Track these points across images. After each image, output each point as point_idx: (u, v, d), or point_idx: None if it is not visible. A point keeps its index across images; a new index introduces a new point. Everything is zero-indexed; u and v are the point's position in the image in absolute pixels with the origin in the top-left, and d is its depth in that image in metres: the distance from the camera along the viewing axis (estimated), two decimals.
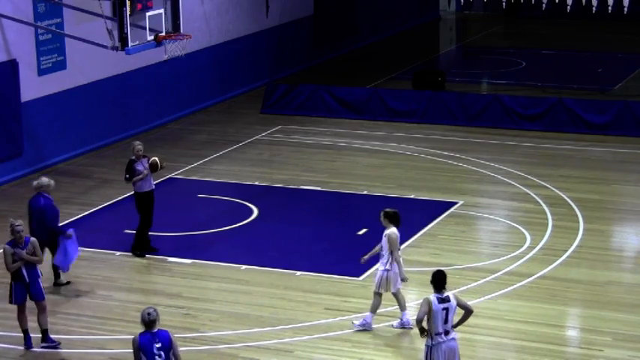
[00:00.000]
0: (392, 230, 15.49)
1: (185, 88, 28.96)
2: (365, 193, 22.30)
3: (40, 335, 15.31)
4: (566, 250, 18.93)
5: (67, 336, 15.69)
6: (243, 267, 18.35)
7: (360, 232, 19.66)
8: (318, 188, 22.65)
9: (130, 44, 21.32)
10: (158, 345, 11.90)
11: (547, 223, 20.30)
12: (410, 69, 33.99)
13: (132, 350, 11.98)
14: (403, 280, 15.60)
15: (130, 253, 18.84)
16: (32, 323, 15.34)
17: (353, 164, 24.46)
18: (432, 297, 12.84)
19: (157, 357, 11.88)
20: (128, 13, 21.12)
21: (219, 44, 30.43)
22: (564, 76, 33.67)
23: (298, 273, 18.02)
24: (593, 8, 32.07)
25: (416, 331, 13.18)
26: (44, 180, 17.31)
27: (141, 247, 18.80)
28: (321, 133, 27.16)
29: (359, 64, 36.21)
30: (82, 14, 23.25)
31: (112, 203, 21.76)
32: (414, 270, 17.73)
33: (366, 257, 15.97)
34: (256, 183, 23.15)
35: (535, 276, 17.75)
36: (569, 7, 32.31)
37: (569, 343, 15.63)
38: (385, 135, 26.91)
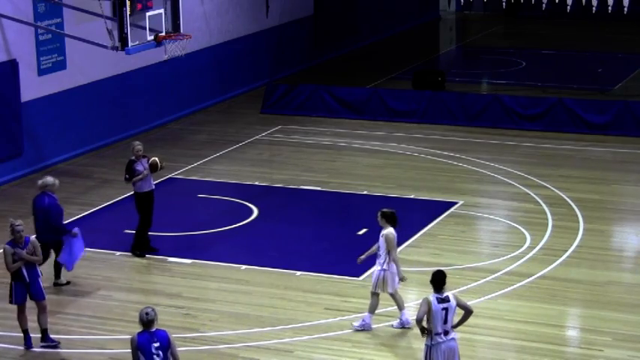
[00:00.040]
0: (389, 230, 15.49)
1: (185, 88, 28.96)
2: (365, 193, 22.31)
3: (40, 335, 15.32)
4: (566, 250, 18.93)
5: (67, 336, 15.69)
6: (243, 267, 18.36)
7: (360, 232, 19.66)
8: (318, 188, 22.65)
9: (130, 44, 21.32)
10: (156, 344, 11.93)
11: (547, 223, 20.30)
12: (410, 69, 33.99)
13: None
14: (402, 279, 15.60)
15: (130, 253, 18.84)
16: (32, 323, 15.34)
17: (353, 164, 24.46)
18: (432, 297, 12.84)
19: (155, 356, 11.90)
20: (128, 13, 21.12)
21: (219, 44, 30.43)
22: (564, 76, 33.67)
23: (298, 273, 18.02)
24: (593, 8, 32.08)
25: (415, 331, 13.19)
26: (49, 179, 17.34)
27: (141, 247, 18.80)
28: (321, 133, 27.16)
29: (359, 64, 36.21)
30: (82, 14, 23.25)
31: (112, 203, 21.76)
32: (414, 270, 17.74)
33: (362, 257, 15.98)
34: (256, 183, 23.15)
35: (535, 276, 17.75)
36: (569, 7, 32.33)
37: (569, 343, 15.63)
38: (385, 135, 26.91)
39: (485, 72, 35.02)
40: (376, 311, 15.80)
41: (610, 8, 31.74)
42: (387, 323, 15.88)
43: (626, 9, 31.92)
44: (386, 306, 16.04)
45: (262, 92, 30.01)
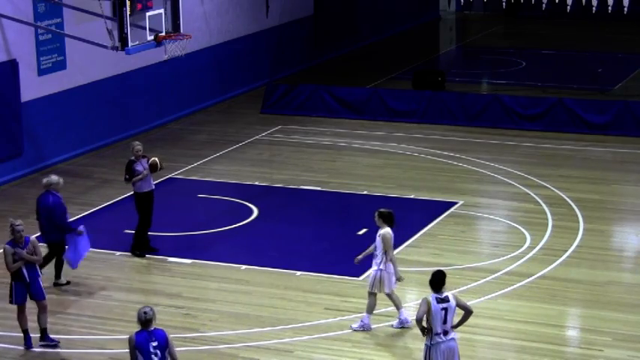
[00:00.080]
0: (386, 230, 15.49)
1: (185, 88, 28.96)
2: (365, 193, 22.31)
3: (39, 334, 15.33)
4: (566, 250, 18.93)
5: (67, 336, 15.69)
6: (243, 267, 18.36)
7: (360, 232, 19.66)
8: (318, 188, 22.65)
9: (130, 44, 21.32)
10: (154, 344, 11.95)
11: (547, 223, 20.30)
12: (410, 69, 33.99)
13: None
14: (399, 279, 15.59)
15: (130, 254, 18.84)
16: (32, 323, 15.35)
17: (353, 164, 24.46)
18: (431, 297, 12.83)
19: (153, 356, 11.92)
20: (128, 13, 21.12)
21: (219, 44, 30.43)
22: (564, 76, 33.67)
23: (298, 273, 18.02)
24: (593, 8, 32.08)
25: (415, 330, 13.19)
26: (54, 178, 17.38)
27: (140, 247, 18.80)
28: (321, 133, 27.16)
29: (359, 64, 36.21)
30: (82, 14, 23.25)
31: (112, 203, 21.76)
32: (414, 270, 17.76)
33: (359, 257, 15.97)
34: (256, 183, 23.15)
35: (535, 276, 17.75)
36: (569, 7, 32.33)
37: (569, 343, 15.63)
38: (385, 135, 26.91)
39: (485, 72, 35.03)
40: (376, 311, 15.81)
41: (610, 8, 31.75)
42: (386, 323, 15.88)
43: (626, 9, 31.92)
44: (385, 306, 16.05)
45: (262, 92, 30.01)
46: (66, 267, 17.56)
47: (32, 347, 15.23)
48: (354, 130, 27.30)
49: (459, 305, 12.93)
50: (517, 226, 20.20)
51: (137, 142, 18.83)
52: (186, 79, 28.91)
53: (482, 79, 33.98)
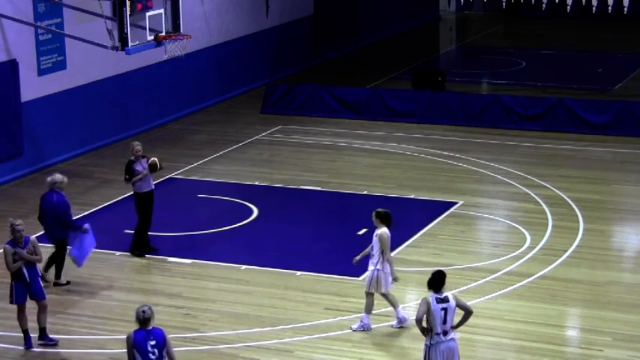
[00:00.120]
0: (383, 230, 15.49)
1: (185, 88, 28.96)
2: (365, 193, 22.31)
3: (38, 333, 15.34)
4: (566, 250, 18.93)
5: (67, 336, 15.69)
6: (243, 267, 18.36)
7: (360, 232, 19.65)
8: (318, 188, 22.65)
9: (130, 44, 21.32)
10: (152, 342, 11.98)
11: (547, 223, 20.30)
12: (410, 69, 33.99)
13: None
14: (395, 280, 15.58)
15: (130, 254, 18.86)
16: (32, 323, 15.35)
17: (353, 164, 24.46)
18: (431, 297, 12.83)
19: (150, 354, 11.94)
20: (128, 13, 21.12)
21: (219, 44, 30.43)
22: (564, 76, 33.67)
23: (298, 273, 18.02)
24: (593, 8, 32.08)
25: (415, 330, 13.19)
26: (58, 176, 17.43)
27: (140, 247, 18.81)
28: (321, 133, 27.16)
29: (359, 64, 36.21)
30: (82, 14, 23.25)
31: (112, 203, 21.76)
32: (414, 270, 17.76)
33: (357, 258, 15.95)
34: (256, 183, 23.15)
35: (535, 276, 17.75)
36: (569, 7, 32.33)
37: (569, 343, 15.63)
38: (385, 135, 26.91)
39: (485, 72, 35.02)
40: (375, 311, 15.81)
41: (610, 8, 31.74)
42: (386, 323, 15.88)
43: (626, 9, 31.91)
44: (385, 306, 16.04)
45: (262, 92, 30.01)
46: (66, 267, 17.57)
47: (32, 347, 15.23)
48: (354, 130, 27.30)
49: (459, 305, 12.93)
50: (517, 226, 20.20)
51: (137, 143, 18.84)
52: (186, 79, 28.92)
53: (482, 79, 33.97)
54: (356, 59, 36.88)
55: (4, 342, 15.49)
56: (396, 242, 18.86)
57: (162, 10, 22.18)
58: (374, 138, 26.61)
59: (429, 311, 12.75)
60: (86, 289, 17.52)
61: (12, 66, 22.86)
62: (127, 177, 18.52)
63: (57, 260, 17.53)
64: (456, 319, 12.97)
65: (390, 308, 15.98)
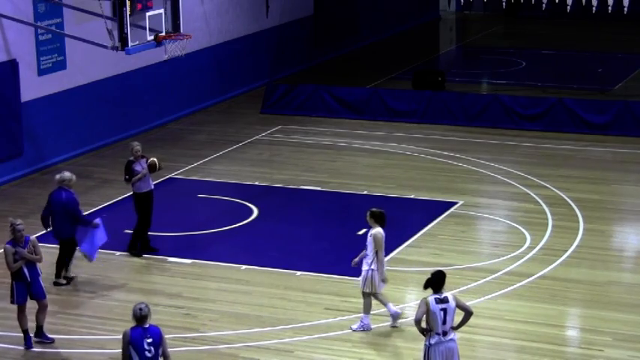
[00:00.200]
0: (377, 230, 15.49)
1: (185, 88, 28.96)
2: (365, 193, 22.31)
3: (35, 330, 15.36)
4: (566, 250, 18.93)
5: (67, 336, 15.70)
6: (243, 267, 18.36)
7: (360, 232, 19.61)
8: (318, 188, 22.65)
9: (130, 44, 21.32)
10: (149, 340, 12.00)
11: (547, 223, 20.30)
12: (410, 69, 33.99)
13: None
14: (383, 281, 15.56)
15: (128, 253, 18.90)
16: (32, 323, 15.37)
17: (353, 164, 24.46)
18: (430, 297, 12.82)
19: (146, 352, 11.97)
20: (128, 13, 21.12)
21: (219, 44, 30.43)
22: (564, 76, 33.67)
23: (298, 273, 18.02)
24: (593, 8, 32.07)
25: (414, 330, 13.18)
26: (67, 174, 17.51)
27: (136, 246, 18.80)
28: (321, 133, 27.16)
29: (359, 64, 36.21)
30: (82, 14, 23.25)
31: (112, 203, 21.77)
32: (414, 270, 17.76)
33: (356, 260, 15.91)
34: (256, 183, 23.15)
35: (535, 276, 17.75)
36: (569, 7, 32.32)
37: (569, 343, 15.63)
38: (385, 135, 26.91)
39: (485, 72, 35.02)
40: (375, 311, 15.82)
41: (610, 8, 31.74)
42: (386, 323, 15.88)
43: (626, 9, 31.91)
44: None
45: (262, 92, 30.01)
46: (74, 264, 17.64)
47: (32, 347, 15.24)
48: (354, 130, 27.30)
49: (459, 306, 12.92)
50: (517, 226, 20.20)
51: (136, 143, 18.85)
52: (186, 79, 28.91)
53: (483, 79, 33.98)
54: (356, 59, 36.88)
55: (4, 342, 15.50)
56: (396, 242, 18.93)
57: (162, 10, 22.18)
58: (374, 138, 26.61)
59: (428, 312, 12.75)
60: (86, 289, 17.53)
61: (12, 66, 22.87)
62: (127, 177, 18.54)
63: (59, 260, 17.56)
64: (457, 320, 12.97)
65: (399, 310, 15.97)
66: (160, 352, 12.07)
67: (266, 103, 29.46)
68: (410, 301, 16.62)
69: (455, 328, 12.91)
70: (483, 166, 24.07)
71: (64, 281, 17.61)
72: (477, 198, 21.90)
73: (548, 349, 15.16)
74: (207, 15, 29.73)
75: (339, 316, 16.23)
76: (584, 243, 19.33)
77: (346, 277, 17.63)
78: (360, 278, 15.72)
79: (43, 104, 24.00)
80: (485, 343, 15.40)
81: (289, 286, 17.51)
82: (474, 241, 19.76)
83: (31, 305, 15.31)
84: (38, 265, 15.34)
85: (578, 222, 20.36)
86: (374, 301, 15.74)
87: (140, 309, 12.06)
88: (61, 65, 24.37)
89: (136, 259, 18.71)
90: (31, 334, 15.33)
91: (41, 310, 15.33)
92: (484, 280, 17.59)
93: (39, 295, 15.25)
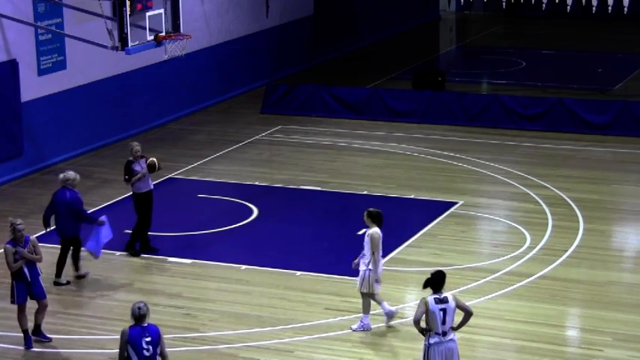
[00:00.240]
0: (375, 230, 15.49)
1: (185, 88, 28.97)
2: (365, 193, 22.30)
3: (33, 328, 15.38)
4: (566, 250, 18.93)
5: (67, 336, 15.70)
6: (243, 267, 18.36)
7: (360, 232, 19.59)
8: (318, 188, 22.65)
9: (130, 44, 21.33)
10: (148, 339, 12.01)
11: (547, 223, 20.30)
12: (410, 69, 33.99)
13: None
14: (376, 281, 15.54)
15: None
16: (32, 323, 15.36)
17: (353, 164, 24.46)
18: (430, 297, 12.80)
19: (145, 351, 11.97)
20: (128, 13, 21.12)
21: (219, 44, 30.44)
22: (564, 76, 33.67)
23: (298, 273, 18.02)
24: (593, 8, 32.07)
25: (414, 330, 13.17)
26: (70, 174, 17.55)
27: (134, 246, 18.80)
28: (321, 133, 27.16)
29: (359, 64, 36.21)
30: (82, 14, 23.26)
31: (112, 203, 21.76)
32: (414, 270, 17.76)
33: (356, 261, 15.92)
34: (256, 183, 23.15)
35: (535, 276, 17.75)
36: (569, 7, 32.32)
37: (569, 343, 15.63)
38: (385, 135, 26.91)
39: (485, 72, 35.02)
40: (375, 311, 15.82)
41: (610, 8, 31.73)
42: (386, 323, 15.88)
43: (626, 9, 31.90)
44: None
45: (262, 92, 30.01)
46: (67, 267, 17.61)
47: (32, 347, 15.24)
48: (354, 130, 27.30)
49: (459, 306, 12.90)
50: (517, 226, 20.20)
51: (135, 143, 18.86)
52: (187, 79, 28.92)
53: (482, 79, 33.98)
54: (356, 59, 36.88)
55: (4, 342, 15.50)
56: (396, 242, 18.94)
57: (162, 10, 22.19)
58: (374, 138, 26.61)
59: (427, 312, 12.74)
60: (86, 289, 17.53)
61: (12, 66, 22.87)
62: (127, 177, 18.55)
63: (60, 259, 17.57)
64: (457, 320, 12.96)
65: (393, 308, 15.98)
66: (159, 351, 12.08)
67: (266, 103, 29.47)
68: (410, 301, 16.62)
69: (455, 329, 12.90)
70: (483, 166, 24.07)
71: (65, 281, 17.61)
72: (477, 198, 21.90)
73: (548, 349, 15.16)
74: (207, 15, 29.74)
75: (339, 316, 16.23)
76: (584, 243, 19.33)
77: (346, 277, 17.62)
78: (358, 278, 15.72)
79: (43, 104, 24.00)
80: (485, 343, 15.40)
81: (289, 286, 17.51)
82: (473, 241, 19.76)
83: (31, 305, 15.32)
84: (38, 264, 15.34)
85: (578, 222, 20.36)
86: (372, 302, 15.74)
87: (139, 308, 12.07)
88: (61, 65, 24.37)
89: (136, 259, 18.71)
90: (32, 336, 15.33)
91: (41, 310, 15.34)
92: (484, 280, 17.59)
93: (39, 295, 15.26)
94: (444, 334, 12.77)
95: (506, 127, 27.30)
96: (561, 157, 24.87)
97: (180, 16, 22.63)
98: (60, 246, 17.66)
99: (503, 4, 35.27)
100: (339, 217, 21.13)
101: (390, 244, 18.23)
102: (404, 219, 20.46)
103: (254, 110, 29.42)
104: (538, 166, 24.07)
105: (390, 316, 15.79)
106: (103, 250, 18.81)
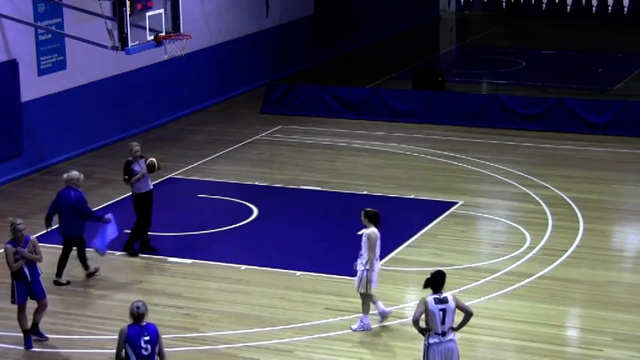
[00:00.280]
0: (372, 230, 15.49)
1: (185, 88, 28.96)
2: (365, 193, 22.30)
3: (30, 326, 15.39)
4: (566, 250, 18.93)
5: (67, 336, 15.70)
6: (243, 267, 18.36)
7: (360, 232, 19.59)
8: (318, 188, 22.65)
9: (130, 44, 21.32)
10: (146, 338, 12.01)
11: (547, 223, 20.30)
12: (410, 69, 33.99)
13: None
14: (369, 281, 15.51)
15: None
16: (31, 322, 15.38)
17: (353, 164, 24.46)
18: (429, 297, 12.80)
19: (143, 350, 11.97)
20: (128, 13, 21.11)
21: (219, 44, 30.43)
22: (564, 76, 33.67)
23: (298, 273, 18.02)
24: (593, 8, 32.07)
25: (415, 330, 13.17)
26: (74, 173, 17.59)
27: (132, 246, 18.81)
28: (321, 133, 27.16)
29: (359, 64, 36.21)
30: (82, 14, 23.25)
31: (112, 203, 21.76)
32: (414, 270, 17.76)
33: (357, 263, 15.93)
34: (256, 183, 23.15)
35: (535, 276, 17.75)
36: (569, 7, 32.31)
37: (569, 343, 15.63)
38: (385, 135, 26.91)
39: (485, 72, 35.02)
40: (375, 311, 15.83)
41: (610, 8, 31.73)
42: (386, 323, 15.88)
43: (626, 9, 31.90)
44: (385, 305, 16.03)
45: (262, 92, 30.01)
46: (68, 267, 17.62)
47: (32, 347, 15.24)
48: (354, 130, 27.30)
49: (459, 307, 12.88)
50: (517, 226, 20.20)
51: (135, 143, 18.87)
52: (186, 79, 28.92)
53: (482, 79, 33.97)
54: (356, 59, 36.88)
55: (4, 342, 15.50)
56: (396, 242, 18.95)
57: (162, 10, 22.18)
58: (374, 138, 26.61)
59: (427, 312, 12.73)
60: (86, 289, 17.53)
61: (12, 66, 22.87)
62: (126, 177, 18.56)
63: (61, 259, 17.58)
64: (457, 320, 12.95)
65: (393, 308, 15.97)
66: (157, 350, 12.08)
67: (266, 103, 29.46)
68: (410, 301, 16.62)
69: (455, 329, 12.89)
70: (483, 166, 24.07)
71: (65, 281, 17.62)
72: (477, 198, 21.90)
73: (548, 349, 15.16)
74: (207, 15, 29.74)
75: (339, 316, 16.23)
76: (584, 243, 19.33)
77: (346, 277, 17.61)
78: (356, 278, 15.72)
79: (43, 104, 24.00)
80: (485, 343, 15.40)
81: (289, 286, 17.51)
82: (474, 241, 19.76)
83: (31, 305, 15.32)
84: (38, 264, 15.35)
85: (578, 222, 20.36)
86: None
87: (137, 307, 12.07)
88: (61, 65, 24.37)
89: (136, 259, 18.71)
90: (32, 335, 15.35)
91: (40, 310, 15.34)
92: (484, 280, 17.59)
93: (39, 295, 15.26)
94: (444, 334, 12.76)
95: (506, 127, 27.30)
96: (561, 157, 24.87)
97: (180, 16, 22.62)
98: (62, 246, 17.66)
99: (503, 4, 35.26)
100: (339, 217, 21.13)
101: (390, 244, 18.25)
102: (404, 219, 20.47)
103: (254, 110, 29.42)
104: (538, 166, 24.07)
105: (383, 316, 15.81)
106: None
